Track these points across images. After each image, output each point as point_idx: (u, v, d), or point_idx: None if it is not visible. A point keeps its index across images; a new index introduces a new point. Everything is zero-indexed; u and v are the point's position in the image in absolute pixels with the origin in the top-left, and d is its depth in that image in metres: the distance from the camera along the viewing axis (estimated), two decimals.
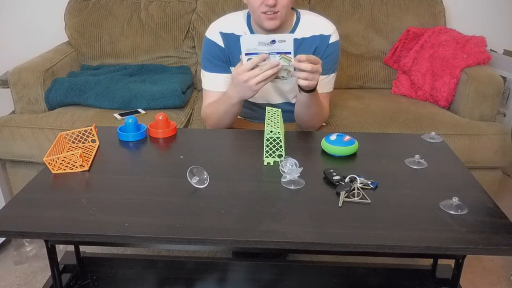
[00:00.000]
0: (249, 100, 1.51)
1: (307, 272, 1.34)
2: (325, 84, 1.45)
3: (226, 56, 1.44)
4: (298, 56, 1.18)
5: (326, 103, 1.49)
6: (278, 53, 1.18)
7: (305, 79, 1.20)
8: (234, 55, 1.42)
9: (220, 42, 1.43)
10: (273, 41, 1.16)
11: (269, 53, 1.18)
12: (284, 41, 1.16)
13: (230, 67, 1.45)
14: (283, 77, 1.23)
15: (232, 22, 1.44)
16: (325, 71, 1.42)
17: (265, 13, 1.30)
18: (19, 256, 1.70)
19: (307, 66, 1.18)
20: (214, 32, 1.44)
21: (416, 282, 1.33)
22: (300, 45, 1.40)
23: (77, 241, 1.19)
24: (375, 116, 1.79)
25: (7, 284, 1.58)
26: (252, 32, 1.43)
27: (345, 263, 1.37)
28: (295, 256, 1.66)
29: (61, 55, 2.09)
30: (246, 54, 1.19)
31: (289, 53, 1.17)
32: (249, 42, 1.17)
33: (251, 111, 1.57)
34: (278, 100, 1.52)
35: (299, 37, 1.41)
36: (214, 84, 1.46)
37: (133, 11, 2.17)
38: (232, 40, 1.42)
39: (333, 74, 1.48)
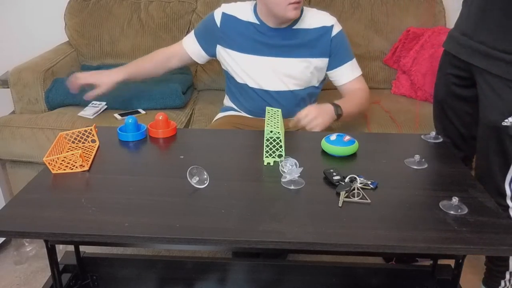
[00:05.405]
0: (247, 84, 1.57)
1: (307, 272, 1.34)
2: (352, 71, 1.56)
3: (216, 33, 1.55)
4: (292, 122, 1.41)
5: (364, 85, 1.59)
6: None
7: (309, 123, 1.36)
8: (227, 34, 1.55)
9: (218, 20, 1.54)
10: None
11: None
12: None
13: (218, 45, 1.56)
14: None
15: (239, 8, 1.55)
16: (345, 59, 1.55)
17: (292, 3, 1.39)
18: (19, 256, 1.70)
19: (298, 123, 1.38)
20: (219, 11, 1.57)
21: (416, 282, 1.33)
22: (303, 35, 1.50)
23: (77, 241, 1.19)
24: (375, 116, 1.79)
25: (7, 284, 1.58)
26: (260, 21, 1.51)
27: (345, 263, 1.37)
28: (295, 256, 1.66)
29: (61, 55, 2.09)
30: None
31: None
32: None
33: (248, 101, 1.60)
34: (280, 87, 1.55)
35: (302, 27, 1.51)
36: (189, 44, 1.61)
37: (133, 11, 2.16)
38: (230, 21, 1.53)
39: (352, 60, 1.57)
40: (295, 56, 1.51)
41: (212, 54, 1.60)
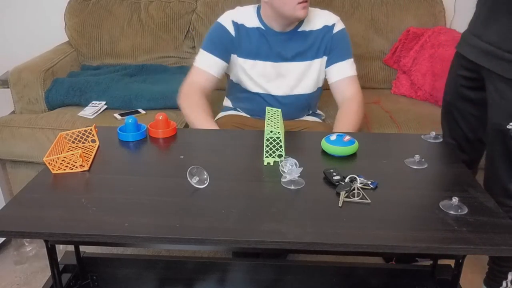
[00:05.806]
0: (251, 91, 1.56)
1: (307, 272, 1.34)
2: (348, 68, 1.52)
3: (234, 43, 1.50)
4: None
5: (357, 88, 1.53)
6: None
7: None
8: (241, 44, 1.49)
9: (231, 30, 1.49)
10: None
11: None
12: None
13: (232, 54, 1.51)
14: None
15: (244, 15, 1.51)
16: (342, 57, 1.52)
17: (301, 3, 1.37)
18: (19, 256, 1.70)
19: None
20: (227, 19, 1.50)
21: (416, 282, 1.33)
22: (308, 37, 1.49)
23: (77, 241, 1.19)
24: (375, 116, 1.79)
25: (7, 284, 1.58)
26: (265, 26, 1.48)
27: (345, 263, 1.37)
28: (295, 256, 1.66)
29: (61, 55, 2.09)
30: None
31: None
32: None
33: (253, 104, 1.59)
34: (286, 91, 1.54)
35: (307, 29, 1.50)
36: (206, 63, 1.51)
37: (133, 11, 2.17)
38: (241, 30, 1.49)
39: (350, 59, 1.54)
40: (301, 60, 1.50)
41: (228, 62, 1.53)
